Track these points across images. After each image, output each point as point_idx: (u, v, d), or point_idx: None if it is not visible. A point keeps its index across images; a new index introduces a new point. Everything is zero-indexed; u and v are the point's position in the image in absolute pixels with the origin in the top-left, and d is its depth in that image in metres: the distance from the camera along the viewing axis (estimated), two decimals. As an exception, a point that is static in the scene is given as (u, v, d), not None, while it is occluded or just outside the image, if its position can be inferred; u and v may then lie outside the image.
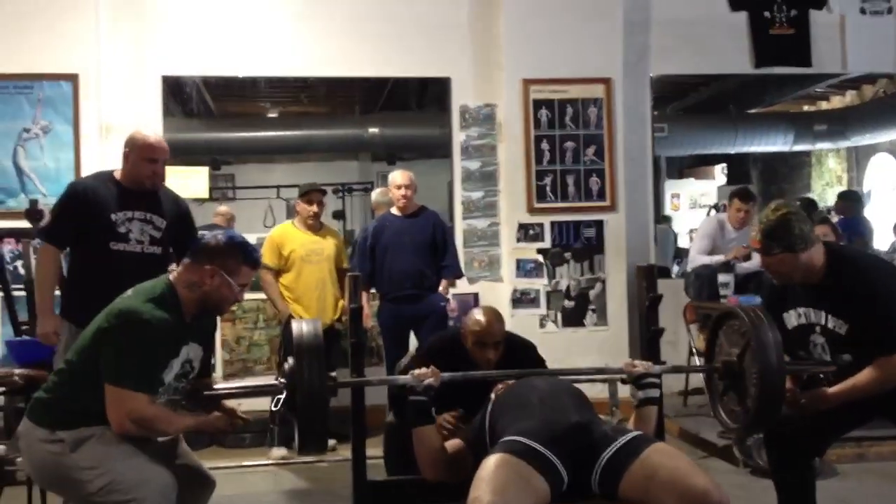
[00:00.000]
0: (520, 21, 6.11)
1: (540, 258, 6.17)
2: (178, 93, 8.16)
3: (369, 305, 5.48)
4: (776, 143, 10.23)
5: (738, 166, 12.78)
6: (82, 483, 2.67)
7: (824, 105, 11.26)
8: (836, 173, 11.73)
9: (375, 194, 6.64)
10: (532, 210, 6.15)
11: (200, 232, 4.13)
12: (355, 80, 7.43)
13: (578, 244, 6.19)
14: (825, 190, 11.73)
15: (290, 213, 7.73)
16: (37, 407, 2.79)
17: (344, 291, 5.32)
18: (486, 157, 6.24)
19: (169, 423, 2.78)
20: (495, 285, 6.19)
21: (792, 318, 3.10)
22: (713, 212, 10.24)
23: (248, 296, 4.55)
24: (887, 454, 4.83)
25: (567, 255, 6.18)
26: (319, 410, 2.72)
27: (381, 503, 3.30)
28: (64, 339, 3.77)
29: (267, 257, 5.33)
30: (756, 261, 5.22)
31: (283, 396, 2.82)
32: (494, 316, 3.50)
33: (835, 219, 7.85)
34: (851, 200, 8.82)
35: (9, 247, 5.55)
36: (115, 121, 5.66)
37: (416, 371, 2.92)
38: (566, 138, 6.18)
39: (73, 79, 5.76)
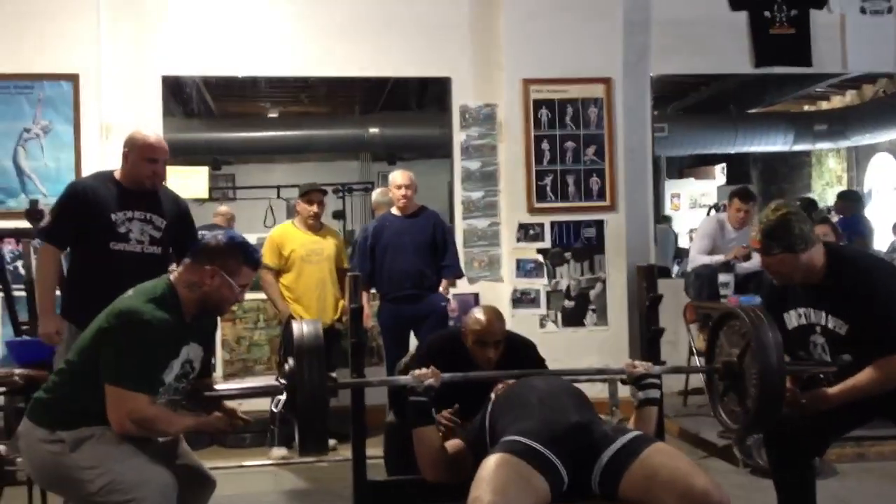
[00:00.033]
0: (520, 21, 6.11)
1: (540, 258, 6.17)
2: (178, 93, 8.16)
3: (369, 305, 5.48)
4: (776, 143, 10.23)
5: (738, 166, 12.78)
6: (82, 483, 2.67)
7: (824, 105, 11.26)
8: (836, 173, 11.73)
9: (376, 194, 6.65)
10: (532, 210, 6.15)
11: (200, 232, 4.14)
12: (355, 79, 7.44)
13: (578, 244, 6.19)
14: (825, 190, 11.73)
15: (291, 213, 7.73)
16: (37, 407, 2.79)
17: (344, 291, 5.32)
18: (487, 157, 6.24)
19: (169, 423, 2.78)
20: (495, 285, 6.19)
21: (792, 319, 3.10)
22: (713, 212, 10.24)
23: (248, 296, 4.55)
24: (888, 454, 4.83)
25: (567, 255, 6.18)
26: (320, 411, 2.72)
27: (381, 503, 3.30)
28: (64, 339, 3.77)
29: (267, 257, 5.33)
30: (756, 261, 5.22)
31: (283, 397, 2.83)
32: (495, 315, 3.50)
33: (835, 218, 7.85)
34: (851, 200, 8.82)
35: (9, 247, 5.55)
36: (115, 121, 5.66)
37: (417, 372, 2.92)
38: (566, 138, 6.19)
39: (73, 79, 5.76)
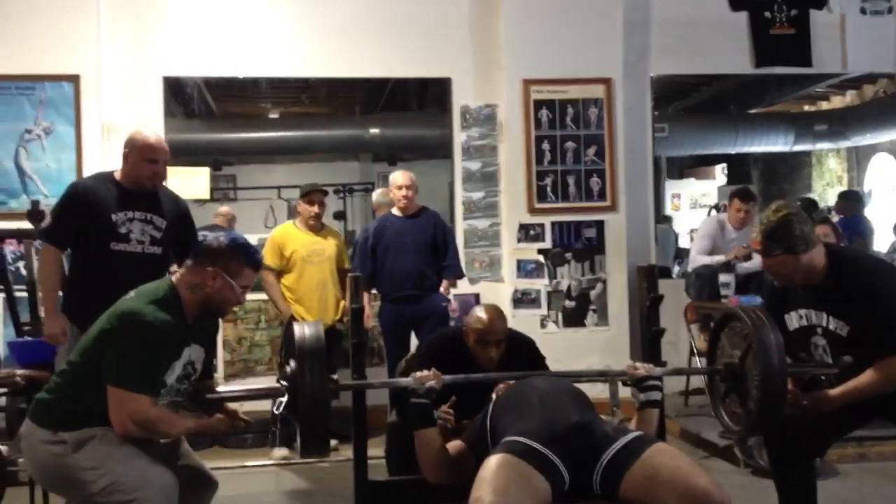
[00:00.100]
0: (520, 21, 6.11)
1: (541, 258, 6.17)
2: (179, 93, 8.15)
3: (370, 306, 5.48)
4: (777, 143, 10.23)
5: (739, 166, 12.77)
6: (84, 484, 2.67)
7: (825, 105, 11.26)
8: (836, 173, 11.73)
9: (376, 195, 6.64)
10: (533, 210, 6.15)
11: (201, 232, 4.14)
12: (356, 80, 7.42)
13: (579, 244, 6.19)
14: (826, 190, 11.73)
15: (292, 213, 7.72)
16: (39, 408, 2.79)
17: (345, 292, 5.32)
18: (487, 158, 6.24)
19: (171, 424, 2.79)
20: (496, 286, 6.19)
21: (793, 320, 3.10)
22: (713, 212, 10.25)
23: (249, 296, 4.55)
24: (889, 454, 4.84)
25: (568, 255, 6.18)
26: (321, 414, 2.72)
27: (382, 503, 3.31)
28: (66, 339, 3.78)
29: (268, 258, 5.33)
30: (757, 261, 5.23)
31: (284, 399, 2.83)
32: (497, 314, 3.50)
33: (835, 219, 7.85)
34: (852, 200, 8.83)
35: (11, 248, 5.55)
36: (116, 121, 5.67)
37: (418, 374, 2.92)
38: (567, 138, 6.19)
39: (74, 80, 5.77)
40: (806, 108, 11.50)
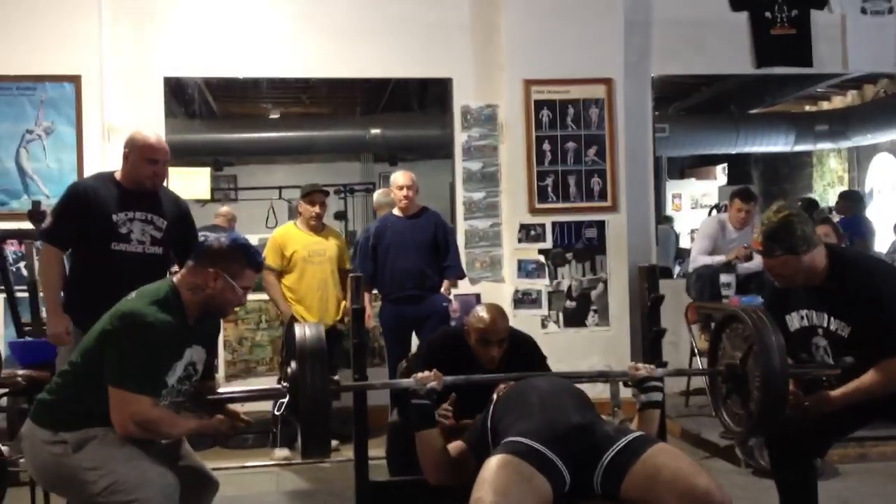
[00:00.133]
0: (520, 21, 6.11)
1: (541, 259, 6.16)
2: (179, 94, 8.16)
3: (371, 306, 5.48)
4: (777, 144, 10.23)
5: (740, 166, 12.77)
6: (85, 484, 2.68)
7: (825, 105, 11.26)
8: (837, 173, 11.73)
9: (377, 195, 6.64)
10: (533, 210, 6.15)
11: (202, 233, 4.14)
12: (357, 80, 7.43)
13: (580, 244, 6.18)
14: (826, 190, 11.73)
15: (293, 213, 7.72)
16: (40, 408, 2.80)
17: (346, 292, 5.33)
18: (488, 158, 6.24)
19: (172, 425, 2.79)
20: (497, 286, 6.19)
21: (794, 321, 3.10)
22: (714, 212, 10.23)
23: (250, 297, 4.51)
24: (890, 454, 4.84)
25: (568, 255, 6.18)
26: (322, 415, 2.72)
27: (383, 504, 3.31)
28: (67, 339, 3.78)
29: (269, 258, 5.33)
30: (757, 261, 5.22)
31: (285, 400, 2.83)
32: (498, 313, 3.50)
33: (836, 219, 7.85)
34: (852, 200, 8.83)
35: (12, 248, 5.55)
36: (117, 122, 5.67)
37: (419, 375, 2.92)
38: (567, 139, 6.18)
39: (75, 80, 5.76)
40: (807, 108, 11.50)
